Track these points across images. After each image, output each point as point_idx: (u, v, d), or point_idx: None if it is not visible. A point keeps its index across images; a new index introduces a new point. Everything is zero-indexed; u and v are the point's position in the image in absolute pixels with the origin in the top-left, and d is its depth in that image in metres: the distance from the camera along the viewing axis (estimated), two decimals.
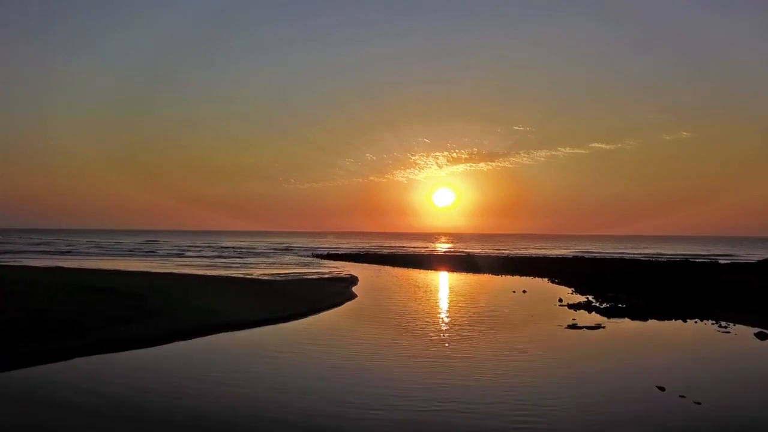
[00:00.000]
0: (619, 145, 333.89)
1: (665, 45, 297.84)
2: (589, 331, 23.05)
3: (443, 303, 32.05)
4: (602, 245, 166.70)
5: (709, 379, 15.71)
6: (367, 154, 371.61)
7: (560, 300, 32.85)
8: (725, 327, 23.99)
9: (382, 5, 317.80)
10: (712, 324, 24.80)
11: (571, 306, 30.43)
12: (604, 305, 30.69)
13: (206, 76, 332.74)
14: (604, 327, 23.85)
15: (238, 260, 74.06)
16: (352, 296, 33.64)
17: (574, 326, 23.85)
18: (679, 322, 25.59)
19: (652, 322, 25.54)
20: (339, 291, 35.67)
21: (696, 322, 25.38)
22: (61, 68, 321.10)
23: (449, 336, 21.54)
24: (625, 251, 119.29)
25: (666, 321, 25.80)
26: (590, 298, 34.21)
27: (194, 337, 20.41)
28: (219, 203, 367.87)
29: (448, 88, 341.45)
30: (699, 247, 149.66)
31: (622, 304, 30.80)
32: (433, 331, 22.46)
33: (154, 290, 32.36)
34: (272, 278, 45.35)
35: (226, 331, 21.58)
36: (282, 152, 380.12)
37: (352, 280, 44.88)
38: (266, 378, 14.95)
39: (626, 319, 26.29)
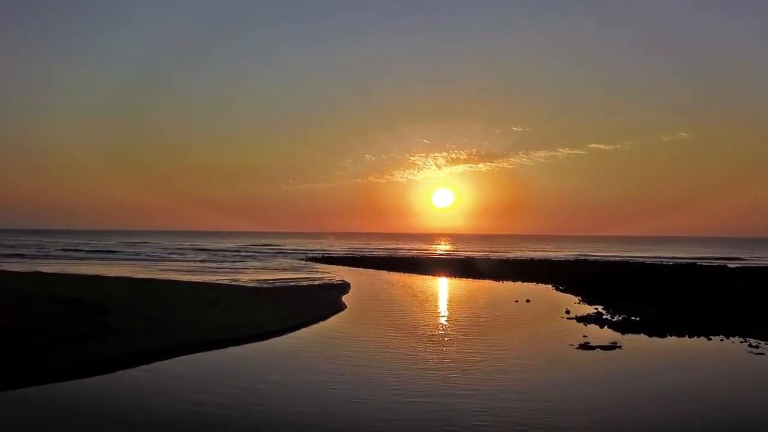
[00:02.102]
0: (618, 145, 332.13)
1: (664, 46, 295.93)
2: (604, 351, 20.37)
3: (439, 317, 29.29)
4: (602, 247, 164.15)
5: (763, 426, 12.98)
6: (366, 155, 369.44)
7: (567, 312, 30.17)
8: (756, 346, 21.31)
9: (382, 5, 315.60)
10: (741, 342, 22.15)
11: (580, 319, 27.77)
12: (616, 318, 28.05)
13: (205, 76, 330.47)
14: (620, 346, 21.15)
15: (227, 264, 71.22)
16: (342, 307, 30.93)
17: (586, 346, 21.17)
18: (702, 339, 22.92)
19: (672, 340, 22.89)
20: (328, 301, 32.98)
21: (722, 339, 22.68)
22: (59, 68, 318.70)
23: (445, 362, 18.84)
24: (627, 254, 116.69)
25: (687, 338, 23.14)
26: (600, 308, 31.54)
27: (153, 361, 17.75)
28: (218, 204, 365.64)
29: (447, 88, 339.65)
30: (701, 249, 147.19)
31: (636, 317, 28.17)
32: (427, 356, 19.72)
33: (126, 300, 29.74)
34: (259, 285, 42.63)
35: (189, 353, 18.90)
36: (281, 153, 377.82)
37: (344, 287, 42.16)
38: None
39: (643, 336, 23.65)
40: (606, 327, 25.73)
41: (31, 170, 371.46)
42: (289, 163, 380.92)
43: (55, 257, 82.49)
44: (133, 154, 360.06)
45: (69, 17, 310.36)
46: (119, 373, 16.37)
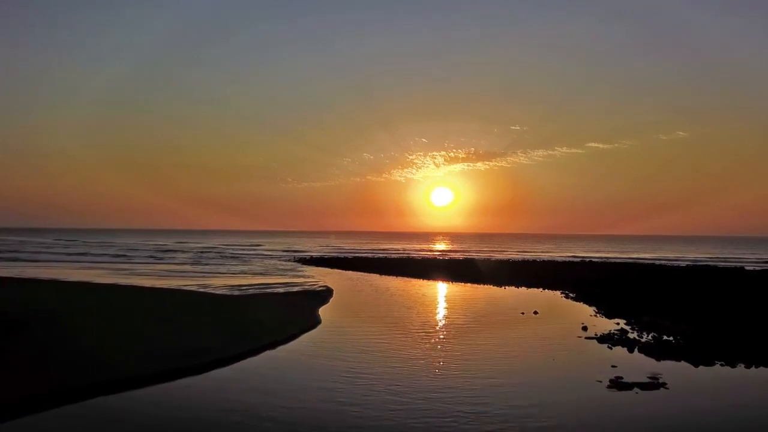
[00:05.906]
0: (616, 144, 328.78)
1: (662, 45, 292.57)
2: (646, 393, 15.39)
3: (431, 337, 24.17)
4: (603, 246, 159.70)
5: None
6: (365, 154, 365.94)
7: (584, 328, 25.27)
8: None
9: (381, 5, 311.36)
10: None
11: (601, 339, 22.83)
12: (644, 337, 23.13)
13: (203, 75, 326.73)
14: (664, 384, 16.16)
15: (206, 267, 65.90)
16: (316, 323, 25.90)
17: (619, 382, 16.20)
18: (763, 369, 18.00)
19: (725, 371, 17.96)
20: (302, 314, 28.01)
21: None
22: (57, 67, 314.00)
23: (432, 420, 13.83)
24: (629, 254, 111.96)
25: (743, 368, 18.19)
26: (622, 323, 26.61)
27: (40, 410, 12.84)
28: (216, 202, 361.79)
29: (445, 87, 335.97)
30: (703, 249, 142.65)
31: (668, 335, 23.28)
32: (412, 400, 14.70)
33: (51, 314, 24.89)
34: (229, 292, 37.60)
35: (98, 396, 14.04)
36: (279, 152, 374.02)
37: (325, 295, 37.12)
38: None
39: (684, 364, 18.76)
40: (636, 351, 20.81)
41: (26, 169, 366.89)
42: (287, 162, 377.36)
43: (31, 259, 77.35)
44: (131, 153, 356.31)
45: (67, 17, 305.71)
46: None
